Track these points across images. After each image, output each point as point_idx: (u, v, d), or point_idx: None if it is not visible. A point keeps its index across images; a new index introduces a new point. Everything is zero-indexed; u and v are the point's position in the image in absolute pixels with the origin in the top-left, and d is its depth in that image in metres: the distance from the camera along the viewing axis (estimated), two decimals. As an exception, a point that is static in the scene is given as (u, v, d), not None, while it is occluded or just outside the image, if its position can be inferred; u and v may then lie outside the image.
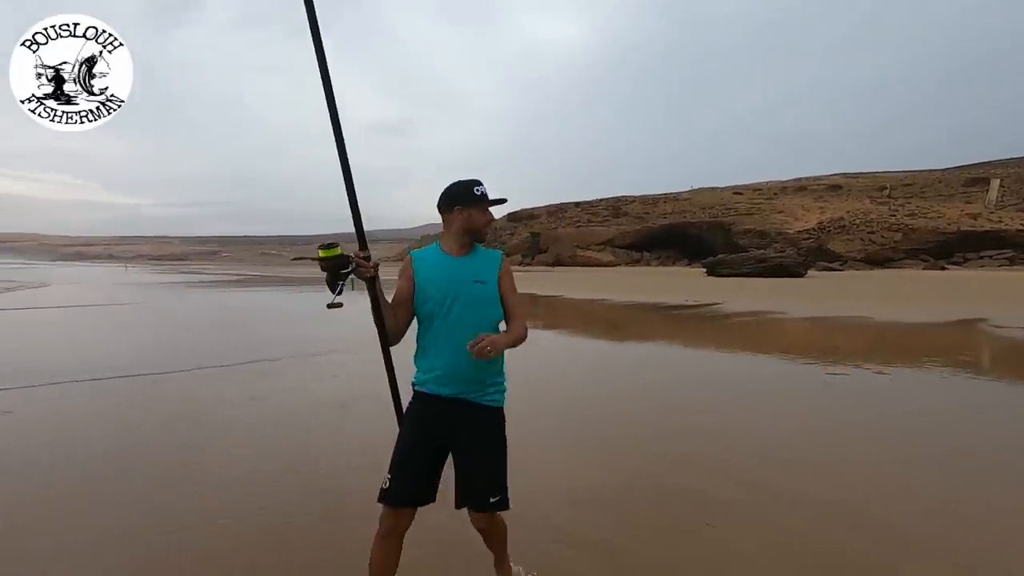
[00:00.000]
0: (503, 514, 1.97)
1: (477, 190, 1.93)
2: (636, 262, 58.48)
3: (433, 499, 1.89)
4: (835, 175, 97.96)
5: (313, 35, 1.74)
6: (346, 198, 1.83)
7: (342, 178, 1.80)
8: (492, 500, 1.88)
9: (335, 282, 1.78)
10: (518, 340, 1.93)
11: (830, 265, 43.10)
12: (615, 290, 21.04)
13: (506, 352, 1.89)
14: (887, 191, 68.62)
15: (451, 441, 1.92)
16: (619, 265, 56.22)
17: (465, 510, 1.95)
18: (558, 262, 58.52)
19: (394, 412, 2.07)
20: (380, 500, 1.85)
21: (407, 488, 1.85)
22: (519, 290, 2.04)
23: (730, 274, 33.28)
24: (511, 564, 2.15)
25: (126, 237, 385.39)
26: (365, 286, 1.86)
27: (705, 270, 36.49)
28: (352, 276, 1.79)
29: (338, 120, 1.77)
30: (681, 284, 23.24)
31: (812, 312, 12.64)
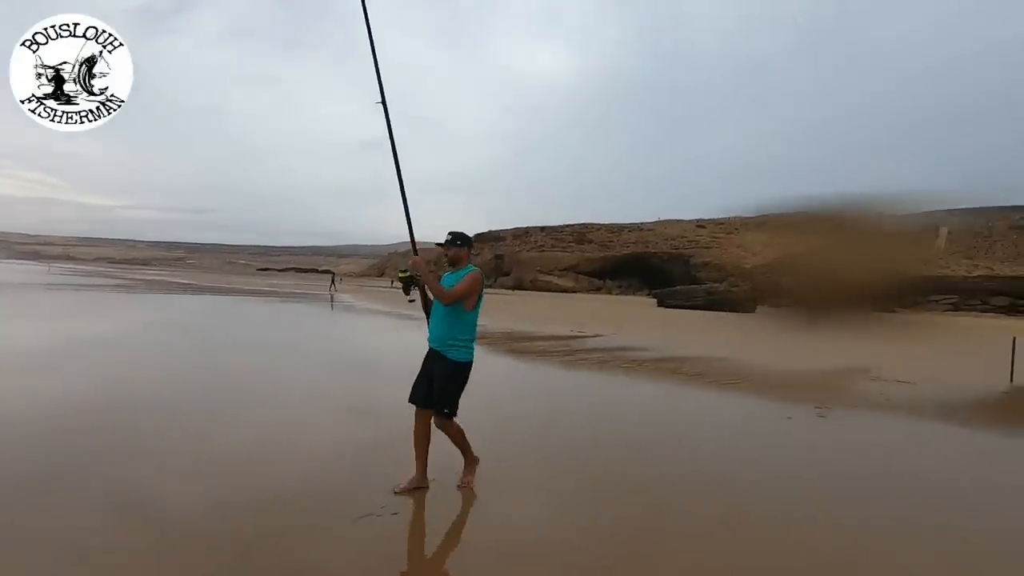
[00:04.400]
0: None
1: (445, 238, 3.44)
2: (598, 289, 58.20)
3: (430, 406, 3.33)
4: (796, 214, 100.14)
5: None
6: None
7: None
8: (444, 411, 3.28)
9: (408, 289, 3.45)
10: (438, 289, 3.27)
11: (781, 302, 43.24)
12: (510, 317, 18.18)
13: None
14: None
15: (432, 372, 3.34)
16: (579, 292, 55.78)
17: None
18: (518, 286, 57.81)
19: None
20: (409, 400, 3.42)
21: (414, 393, 3.39)
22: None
23: (679, 306, 32.94)
24: (473, 456, 3.50)
25: (91, 239, 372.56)
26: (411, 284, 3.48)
27: (656, 300, 36.13)
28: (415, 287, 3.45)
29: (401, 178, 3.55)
30: (614, 313, 22.54)
31: (677, 352, 11.17)
